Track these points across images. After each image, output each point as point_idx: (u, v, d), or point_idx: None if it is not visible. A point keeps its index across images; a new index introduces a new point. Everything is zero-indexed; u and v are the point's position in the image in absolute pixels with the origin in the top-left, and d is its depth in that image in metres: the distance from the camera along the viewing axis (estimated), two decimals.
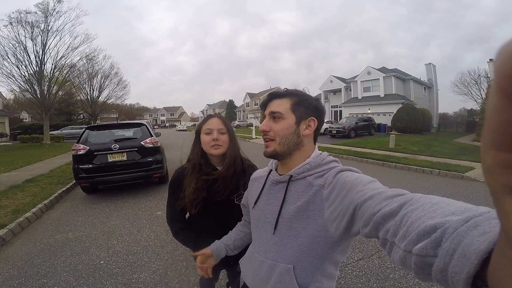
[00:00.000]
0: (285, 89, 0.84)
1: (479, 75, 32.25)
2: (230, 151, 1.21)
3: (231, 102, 58.91)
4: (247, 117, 50.08)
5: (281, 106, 0.80)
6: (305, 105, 0.80)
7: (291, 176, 0.80)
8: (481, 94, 29.53)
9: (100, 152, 4.82)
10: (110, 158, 4.84)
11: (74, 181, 5.22)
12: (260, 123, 0.88)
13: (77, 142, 4.87)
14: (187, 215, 1.27)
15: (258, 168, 1.26)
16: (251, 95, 51.40)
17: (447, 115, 49.01)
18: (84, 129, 5.22)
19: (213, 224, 1.24)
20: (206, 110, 72.10)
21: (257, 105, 46.37)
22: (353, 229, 0.60)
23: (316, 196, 0.73)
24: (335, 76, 31.77)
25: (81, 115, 30.16)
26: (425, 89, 28.16)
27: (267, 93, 0.88)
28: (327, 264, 0.76)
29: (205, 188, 1.18)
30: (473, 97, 33.26)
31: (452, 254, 0.30)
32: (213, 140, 1.16)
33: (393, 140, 11.89)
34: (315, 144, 0.85)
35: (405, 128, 18.88)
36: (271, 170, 0.91)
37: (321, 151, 0.83)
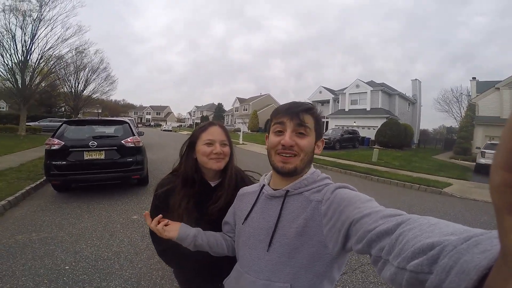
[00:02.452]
0: (309, 103, 0.82)
1: (461, 93, 33.89)
2: (231, 164, 1.10)
3: (219, 106, 58.61)
4: (235, 121, 49.95)
5: (309, 121, 0.77)
6: (321, 125, 0.82)
7: (288, 191, 0.77)
8: (460, 112, 30.89)
9: (76, 149, 4.54)
10: (87, 156, 4.58)
11: (45, 177, 4.91)
12: (266, 133, 0.85)
13: (52, 136, 4.59)
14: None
15: (253, 178, 1.21)
16: (241, 100, 51.35)
17: (427, 131, 50.99)
18: (61, 123, 4.93)
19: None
20: (194, 111, 71.44)
21: (246, 110, 46.41)
22: (347, 245, 0.59)
23: (315, 212, 0.71)
24: (324, 87, 32.38)
25: (63, 108, 29.00)
26: (409, 105, 29.17)
27: (295, 102, 0.80)
28: (326, 282, 0.72)
29: (197, 207, 1.04)
30: (453, 115, 35.09)
31: (449, 271, 0.30)
32: (215, 154, 1.03)
33: (376, 154, 12.21)
34: None
35: (387, 143, 19.38)
36: (263, 185, 0.86)
37: (314, 169, 0.82)
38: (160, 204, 1.06)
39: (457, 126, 23.43)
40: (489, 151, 10.29)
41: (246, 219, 0.86)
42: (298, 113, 0.75)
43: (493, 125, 16.85)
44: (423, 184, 7.36)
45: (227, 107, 59.44)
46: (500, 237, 0.20)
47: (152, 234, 1.11)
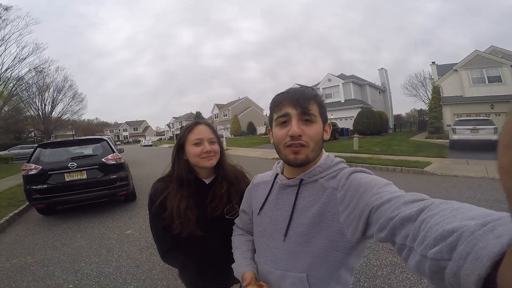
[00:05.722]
0: (310, 88, 0.78)
1: (425, 77, 35.59)
2: (223, 159, 1.12)
3: (198, 114, 57.76)
4: (216, 128, 49.52)
5: (313, 108, 0.73)
6: (325, 109, 0.77)
7: (302, 179, 0.75)
8: (427, 95, 32.43)
9: (55, 171, 4.42)
10: (68, 177, 4.47)
11: (27, 203, 4.74)
12: (269, 125, 0.81)
13: (28, 162, 4.44)
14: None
15: (249, 175, 1.21)
16: (219, 106, 51.13)
17: (400, 116, 53.24)
18: (35, 148, 4.78)
19: (217, 243, 1.09)
20: (173, 123, 70.09)
21: (226, 116, 46.23)
22: (368, 232, 0.58)
23: (330, 200, 0.69)
24: (298, 84, 32.96)
25: (32, 133, 27.44)
26: (379, 93, 30.42)
27: (296, 89, 0.75)
28: (343, 270, 0.71)
29: (196, 206, 1.05)
30: (421, 98, 36.70)
31: (465, 257, 0.30)
32: (205, 152, 1.03)
33: (357, 143, 12.66)
34: None
35: (365, 131, 20.09)
36: (277, 174, 0.85)
37: (327, 154, 0.79)
38: (159, 210, 1.06)
39: (427, 108, 24.60)
40: (459, 127, 10.95)
41: (261, 209, 0.85)
42: (301, 100, 0.71)
43: (458, 104, 18.05)
44: (405, 166, 7.68)
45: (206, 115, 58.79)
46: None
47: (156, 234, 1.13)
